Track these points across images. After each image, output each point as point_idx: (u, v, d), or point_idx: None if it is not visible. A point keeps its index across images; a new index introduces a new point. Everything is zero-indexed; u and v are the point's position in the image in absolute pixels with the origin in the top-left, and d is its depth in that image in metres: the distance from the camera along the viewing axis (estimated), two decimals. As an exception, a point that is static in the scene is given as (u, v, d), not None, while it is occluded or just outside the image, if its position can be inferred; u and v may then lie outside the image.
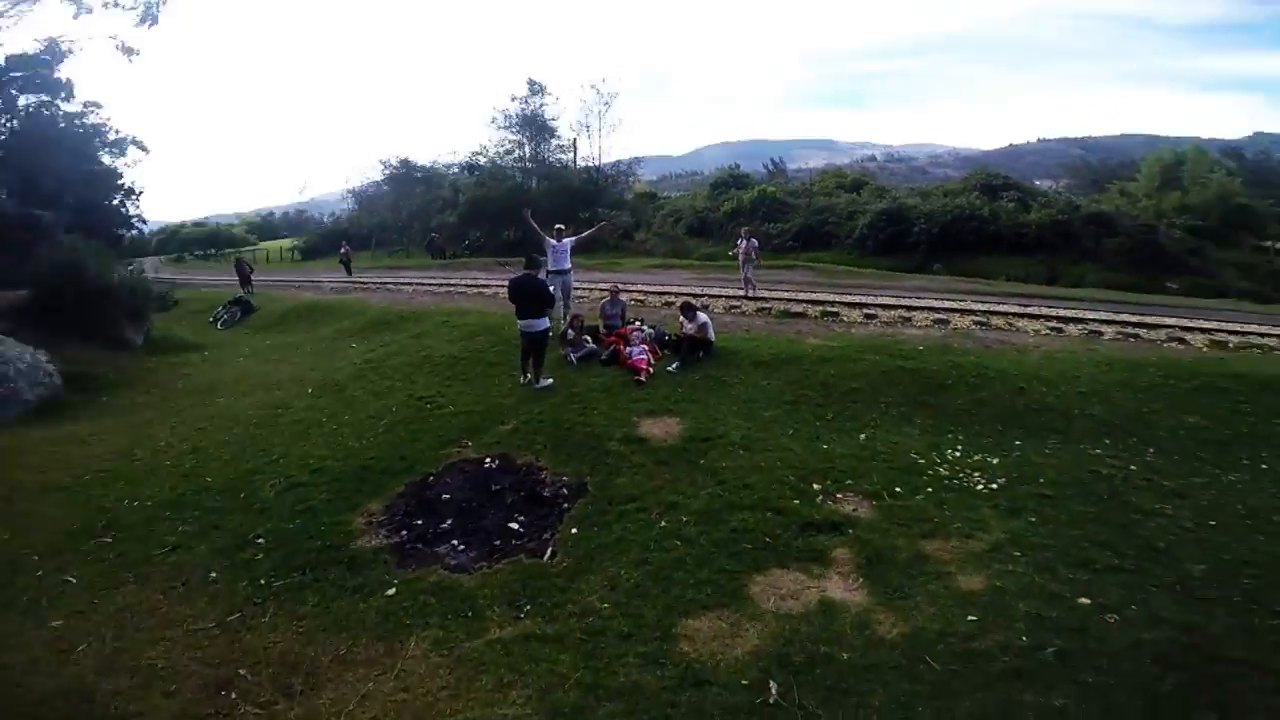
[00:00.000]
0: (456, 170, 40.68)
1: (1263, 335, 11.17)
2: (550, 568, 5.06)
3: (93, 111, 44.72)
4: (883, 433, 7.14)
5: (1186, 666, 3.64)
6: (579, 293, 14.66)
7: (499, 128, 37.22)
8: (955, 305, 13.03)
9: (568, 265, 10.77)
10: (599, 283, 16.48)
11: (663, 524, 5.46)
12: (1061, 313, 12.63)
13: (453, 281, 20.83)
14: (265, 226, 72.65)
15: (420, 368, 10.46)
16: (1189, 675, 3.58)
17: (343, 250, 29.00)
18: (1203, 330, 11.41)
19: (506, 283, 9.41)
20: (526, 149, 37.50)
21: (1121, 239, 25.43)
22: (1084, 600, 4.19)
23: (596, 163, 36.97)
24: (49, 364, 11.54)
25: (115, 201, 46.85)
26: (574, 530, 5.55)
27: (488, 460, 7.03)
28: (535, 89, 36.54)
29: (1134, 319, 12.14)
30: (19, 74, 39.33)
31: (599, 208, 34.14)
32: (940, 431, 7.18)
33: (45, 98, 41.24)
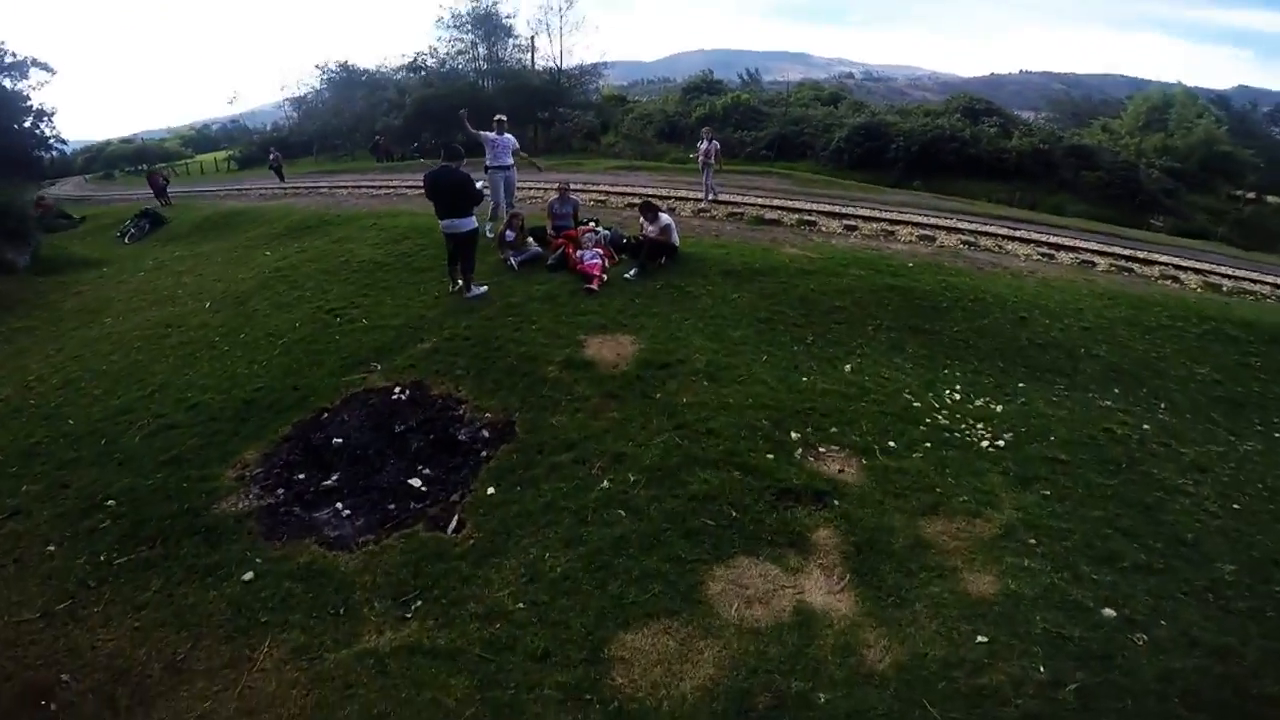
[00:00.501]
0: (402, 73, 37.41)
1: (1254, 282, 10.65)
2: (453, 544, 3.94)
3: (-21, 35, 38.72)
4: (870, 364, 6.14)
5: (1216, 705, 2.85)
6: (530, 193, 13.14)
7: (447, 27, 34.21)
8: (940, 222, 11.98)
9: (509, 161, 9.28)
10: (555, 183, 14.87)
11: (605, 484, 4.36)
12: (1052, 239, 11.80)
13: (393, 184, 18.74)
14: (201, 139, 70.59)
15: (336, 275, 8.97)
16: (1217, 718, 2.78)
17: (272, 156, 27.31)
18: (1195, 270, 10.75)
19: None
20: (481, 49, 34.35)
21: (1101, 173, 24.92)
22: (1109, 612, 3.31)
23: (558, 63, 33.99)
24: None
25: (27, 124, 43.52)
26: (490, 490, 4.41)
27: (396, 390, 5.79)
28: (486, -17, 33.00)
29: (1125, 252, 11.37)
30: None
31: (560, 108, 31.68)
32: (935, 365, 6.23)
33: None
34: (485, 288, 7.50)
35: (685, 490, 4.24)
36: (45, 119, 45.28)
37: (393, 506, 4.38)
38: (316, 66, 43.63)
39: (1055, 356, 6.49)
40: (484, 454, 4.89)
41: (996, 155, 25.32)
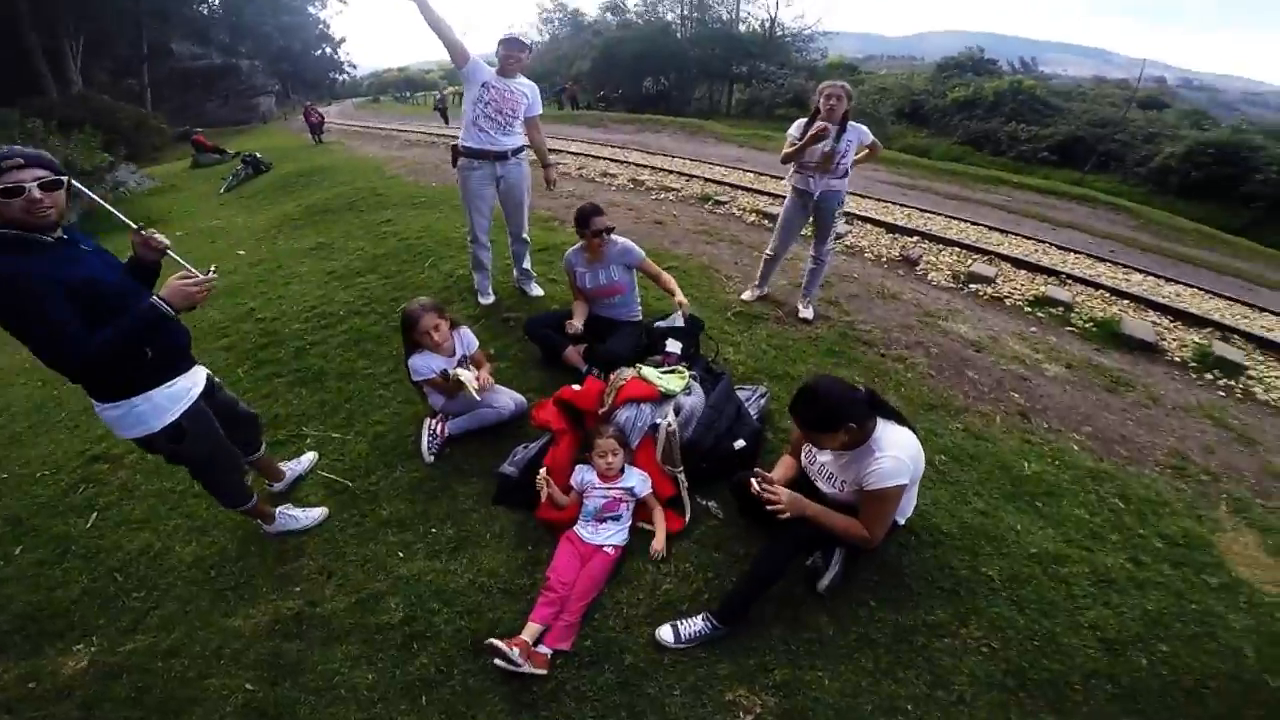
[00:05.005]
0: (600, 13, 34.25)
1: None
2: None
3: (291, -34, 45.14)
4: None
5: None
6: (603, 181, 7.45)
7: None
8: None
9: (516, 141, 3.90)
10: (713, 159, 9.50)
11: None
12: None
13: (558, 141, 14.36)
14: (457, 73, 75.27)
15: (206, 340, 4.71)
16: None
17: (438, 97, 24.33)
18: None
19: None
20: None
21: None
22: None
23: (773, 12, 28.33)
24: None
25: (327, 50, 49.44)
26: None
27: None
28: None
29: None
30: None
31: (762, 63, 25.89)
32: None
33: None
34: (301, 519, 2.81)
35: None
36: (337, 46, 51.41)
37: None
38: (536, 4, 42.86)
39: None
40: None
41: None
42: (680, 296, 3.35)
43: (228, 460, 2.46)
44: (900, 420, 2.15)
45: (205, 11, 39.11)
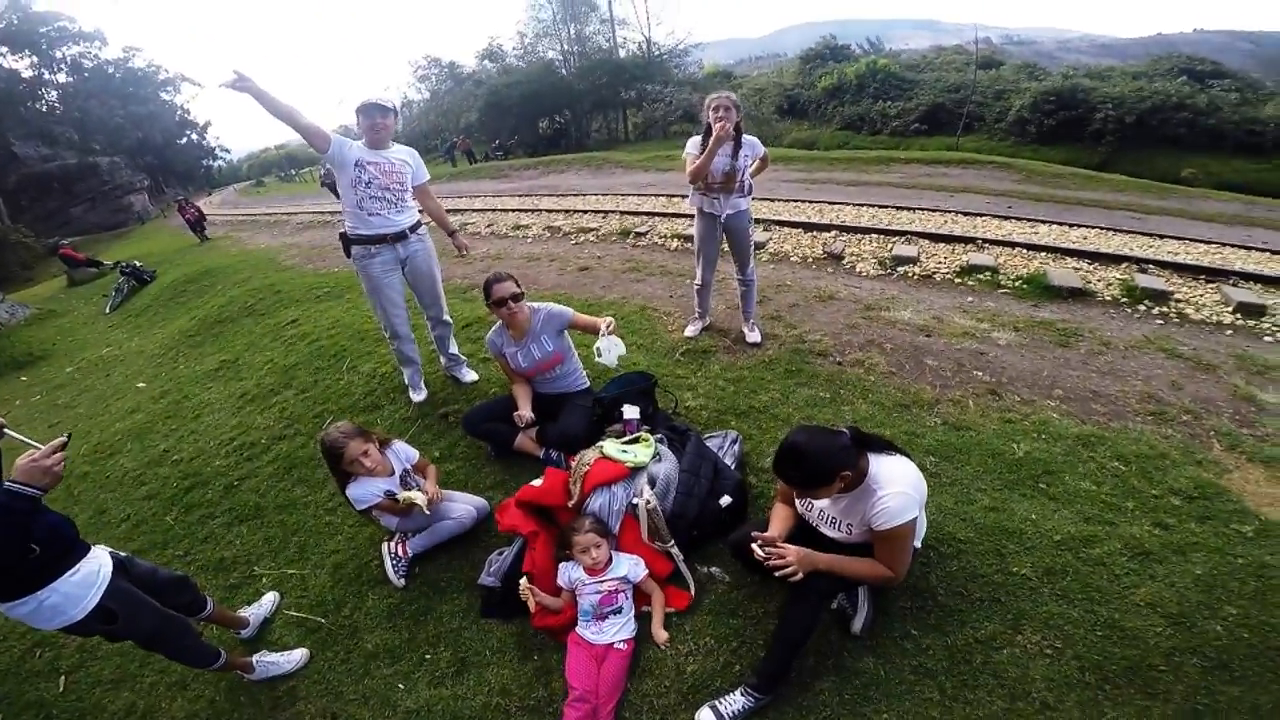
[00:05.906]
0: (478, 62, 34.22)
1: None
2: None
3: (134, 55, 42.29)
4: None
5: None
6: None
7: (528, 8, 30.58)
8: None
9: (408, 218, 3.54)
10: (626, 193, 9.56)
11: None
12: None
13: (460, 200, 13.98)
14: (322, 159, 74.09)
15: (123, 486, 4.24)
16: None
17: (323, 170, 23.00)
18: None
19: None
20: (570, 29, 29.82)
21: None
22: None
23: (646, 32, 29.13)
24: None
25: (193, 137, 46.62)
26: None
27: None
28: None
29: None
30: (47, 27, 35.96)
31: (647, 84, 26.56)
32: None
33: (83, 46, 38.37)
34: (282, 664, 2.55)
35: None
36: (203, 131, 48.50)
37: None
38: (409, 62, 42.48)
39: None
40: None
41: (1246, 128, 19.21)
42: (602, 322, 2.99)
43: (174, 629, 2.23)
44: (890, 448, 2.03)
45: (43, 109, 36.52)
